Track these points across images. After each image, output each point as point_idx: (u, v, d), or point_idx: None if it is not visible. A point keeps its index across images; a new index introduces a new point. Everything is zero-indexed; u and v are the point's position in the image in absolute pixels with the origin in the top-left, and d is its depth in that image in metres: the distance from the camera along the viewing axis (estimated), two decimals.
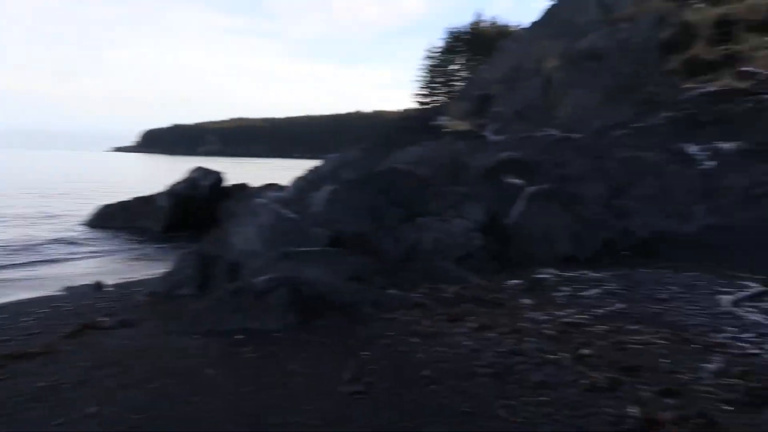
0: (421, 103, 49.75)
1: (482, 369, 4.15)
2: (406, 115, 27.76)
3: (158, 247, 15.58)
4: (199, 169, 20.24)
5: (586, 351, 4.32)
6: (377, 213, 9.29)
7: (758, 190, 10.87)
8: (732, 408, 3.27)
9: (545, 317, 5.47)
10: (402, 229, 8.99)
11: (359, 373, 4.26)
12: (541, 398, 3.63)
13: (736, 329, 4.92)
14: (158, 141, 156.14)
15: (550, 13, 22.29)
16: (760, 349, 4.40)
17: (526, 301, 6.35)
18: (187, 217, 17.63)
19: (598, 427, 3.21)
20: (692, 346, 4.48)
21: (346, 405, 3.82)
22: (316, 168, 19.08)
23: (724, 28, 16.36)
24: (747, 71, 14.48)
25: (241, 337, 5.23)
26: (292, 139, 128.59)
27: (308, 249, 7.02)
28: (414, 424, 3.47)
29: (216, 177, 20.01)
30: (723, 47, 15.76)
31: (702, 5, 18.88)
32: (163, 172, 36.56)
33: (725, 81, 14.24)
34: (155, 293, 7.33)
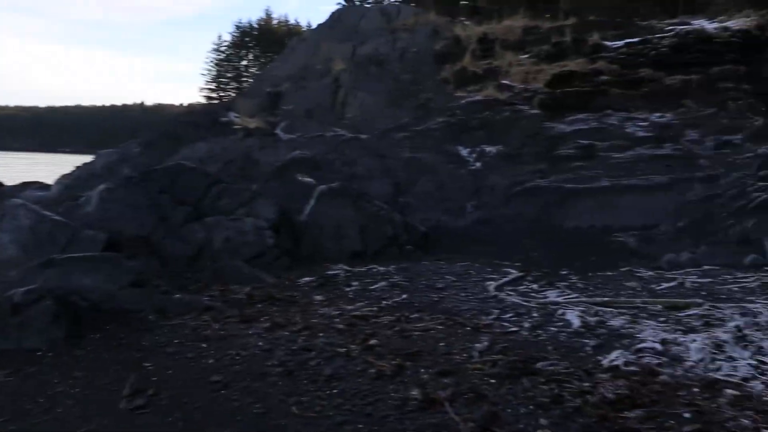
0: (209, 98, 47.90)
1: (274, 368, 4.12)
2: (192, 110, 26.44)
3: None
4: None
5: (373, 341, 4.53)
6: (160, 212, 8.69)
7: (515, 189, 12.49)
8: (495, 381, 3.69)
9: (336, 312, 5.63)
10: (189, 229, 8.54)
11: (142, 386, 3.94)
12: (332, 391, 3.71)
13: (499, 311, 5.58)
14: None
15: (336, 17, 23.01)
16: (519, 327, 5.04)
17: (318, 297, 6.46)
18: None
19: (385, 411, 3.38)
20: (465, 329, 4.97)
21: (128, 422, 3.51)
22: (88, 164, 17.20)
23: (487, 45, 18.48)
24: (505, 84, 16.54)
25: None
26: (61, 132, 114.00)
27: (79, 254, 6.28)
28: None
29: None
30: (486, 62, 17.80)
31: (468, 23, 21.09)
32: None
33: (488, 92, 16.08)
34: None
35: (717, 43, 15.11)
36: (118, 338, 5.01)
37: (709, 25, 16.23)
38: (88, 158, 17.98)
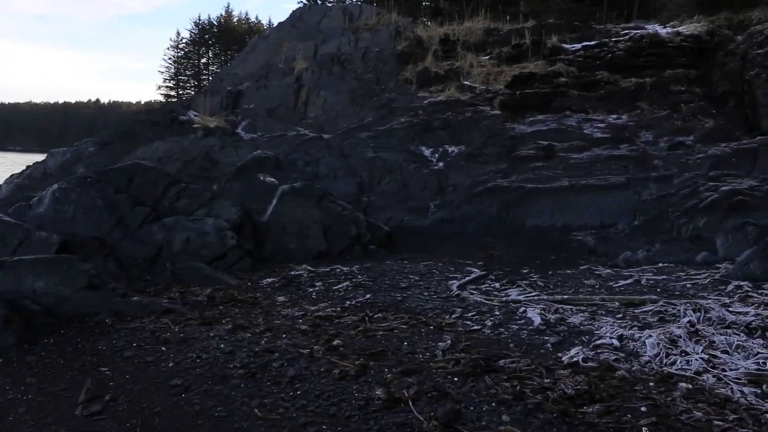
0: (167, 96, 47.04)
1: (236, 371, 4.06)
2: (149, 108, 25.88)
3: None
4: None
5: (337, 342, 4.52)
6: (117, 213, 8.48)
7: (477, 189, 12.63)
8: (458, 379, 3.72)
9: (299, 313, 5.59)
10: (147, 230, 8.36)
11: (98, 392, 3.83)
12: (296, 392, 3.68)
13: (462, 310, 5.63)
14: None
15: (297, 15, 22.85)
16: (481, 325, 5.10)
17: (281, 298, 6.41)
18: None
19: (349, 412, 3.38)
20: (428, 328, 4.99)
21: (84, 429, 3.41)
22: (40, 163, 16.67)
23: (448, 46, 18.65)
24: (467, 85, 16.72)
25: None
26: (11, 130, 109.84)
27: (31, 257, 6.07)
28: None
29: None
30: (448, 62, 17.95)
31: (430, 23, 21.25)
32: None
33: (450, 92, 16.24)
34: None
35: (669, 47, 15.60)
36: (73, 343, 4.87)
37: (662, 30, 16.75)
38: (39, 157, 17.42)
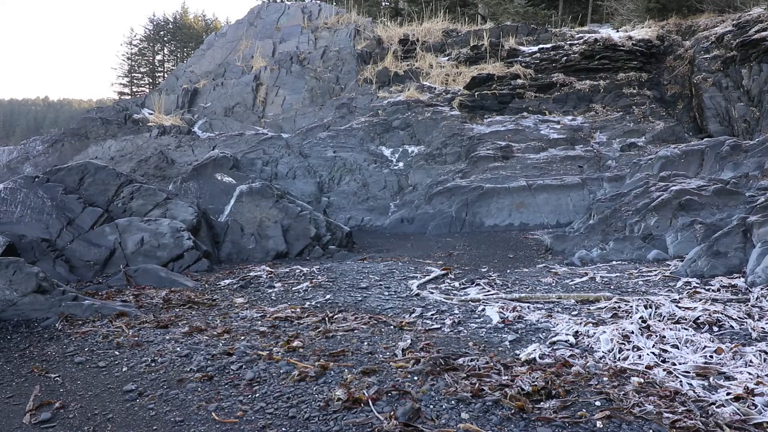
0: (121, 94, 45.94)
1: (193, 374, 3.98)
2: (102, 106, 25.17)
3: None
4: None
5: (296, 343, 4.48)
6: (67, 214, 8.21)
7: (437, 188, 12.72)
8: (418, 378, 3.74)
9: (258, 314, 5.52)
10: (99, 231, 8.12)
11: (47, 399, 3.70)
12: (254, 395, 3.63)
13: (422, 309, 5.66)
14: None
15: (255, 13, 22.57)
16: (440, 324, 5.13)
17: (240, 299, 6.32)
18: None
19: (309, 413, 3.35)
20: (388, 327, 5.00)
21: None
22: None
23: (408, 46, 18.74)
24: (426, 85, 16.83)
25: None
26: None
27: None
28: None
29: None
30: (407, 63, 18.03)
31: (389, 24, 21.30)
32: None
33: (410, 92, 16.32)
34: None
35: (622, 50, 16.06)
36: (21, 349, 4.69)
37: (614, 34, 17.23)
38: None
